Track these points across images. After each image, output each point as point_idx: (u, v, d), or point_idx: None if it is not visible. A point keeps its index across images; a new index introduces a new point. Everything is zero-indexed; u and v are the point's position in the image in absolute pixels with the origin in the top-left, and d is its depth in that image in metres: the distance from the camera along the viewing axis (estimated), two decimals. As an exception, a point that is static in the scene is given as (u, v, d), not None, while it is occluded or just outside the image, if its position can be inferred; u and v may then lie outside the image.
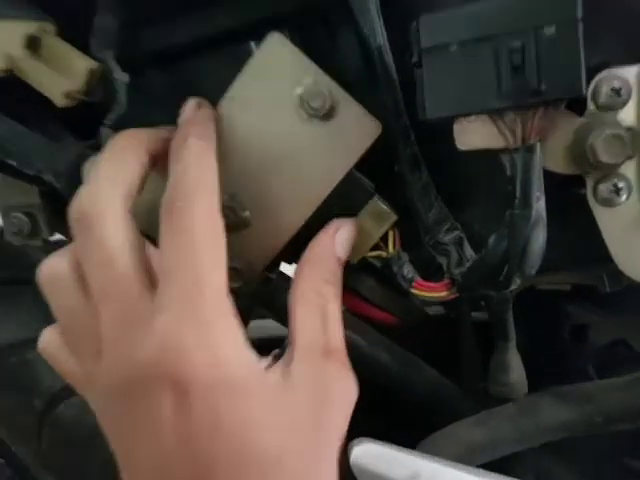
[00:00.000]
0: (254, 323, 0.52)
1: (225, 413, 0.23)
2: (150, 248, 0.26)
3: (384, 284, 0.39)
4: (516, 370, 0.36)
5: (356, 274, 0.39)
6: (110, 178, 0.25)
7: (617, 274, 0.28)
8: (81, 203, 0.24)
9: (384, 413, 0.40)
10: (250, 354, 0.24)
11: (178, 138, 0.26)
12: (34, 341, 0.42)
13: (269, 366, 0.25)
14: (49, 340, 0.27)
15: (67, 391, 0.42)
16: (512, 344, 0.36)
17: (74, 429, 0.42)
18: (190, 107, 0.28)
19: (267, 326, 0.50)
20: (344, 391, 0.26)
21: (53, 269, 0.26)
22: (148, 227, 0.27)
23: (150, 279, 0.24)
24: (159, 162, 0.27)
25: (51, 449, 0.43)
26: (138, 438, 0.23)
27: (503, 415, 0.33)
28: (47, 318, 0.43)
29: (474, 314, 0.45)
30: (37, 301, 0.43)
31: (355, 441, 0.28)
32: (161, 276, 0.24)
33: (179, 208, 0.24)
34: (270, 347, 0.40)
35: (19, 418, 0.43)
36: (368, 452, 0.26)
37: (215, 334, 0.23)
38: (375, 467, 0.26)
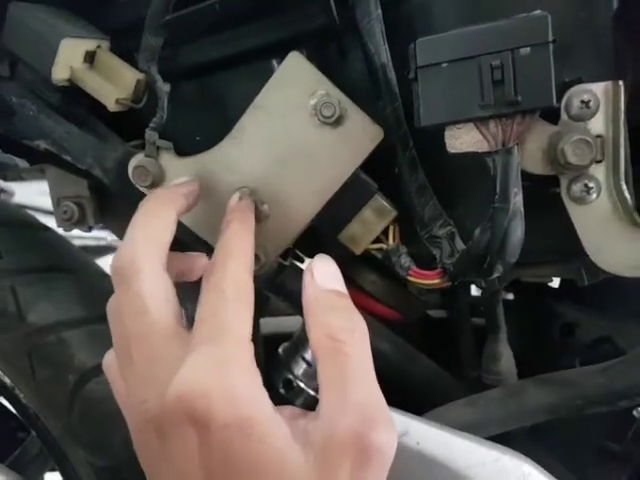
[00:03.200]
0: (269, 320, 0.55)
1: (236, 452, 0.24)
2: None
3: (386, 279, 0.43)
4: (506, 360, 0.40)
5: (360, 269, 0.42)
6: (145, 236, 0.28)
7: (593, 267, 0.32)
8: (121, 259, 0.28)
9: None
10: (264, 397, 0.25)
11: (223, 223, 0.31)
12: (69, 322, 0.47)
13: (293, 417, 0.26)
14: (111, 363, 0.30)
15: (98, 369, 0.46)
16: (503, 336, 0.39)
17: (103, 404, 0.46)
18: (234, 198, 0.33)
19: (281, 324, 0.54)
20: (380, 455, 0.25)
21: (111, 304, 0.29)
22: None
23: (181, 327, 0.27)
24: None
25: (81, 422, 0.46)
26: (167, 468, 0.25)
27: (491, 397, 0.36)
28: (80, 302, 0.48)
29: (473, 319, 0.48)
30: (72, 287, 0.48)
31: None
32: (195, 325, 0.27)
33: (216, 269, 0.27)
34: (282, 342, 0.43)
35: (53, 392, 0.46)
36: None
37: (231, 373, 0.25)
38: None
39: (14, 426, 0.66)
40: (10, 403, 0.52)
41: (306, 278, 0.29)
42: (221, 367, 0.25)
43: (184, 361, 0.25)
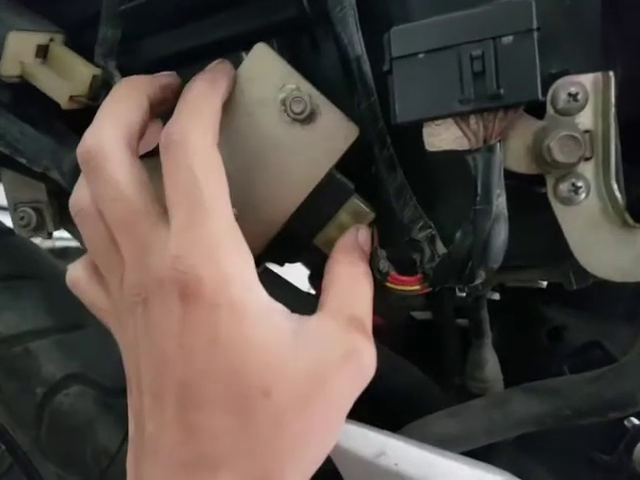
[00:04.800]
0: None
1: (223, 333, 0.24)
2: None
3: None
4: (492, 366, 0.38)
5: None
6: (111, 120, 0.26)
7: (582, 271, 0.30)
8: (85, 144, 0.26)
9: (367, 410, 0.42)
10: (256, 281, 0.25)
11: (190, 83, 0.28)
12: (36, 332, 0.45)
13: (286, 312, 0.26)
14: (78, 275, 0.29)
15: (67, 380, 0.44)
16: (487, 341, 0.38)
17: (72, 416, 0.44)
18: (211, 64, 0.30)
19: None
20: (360, 360, 0.27)
21: (79, 201, 0.27)
22: None
23: (161, 209, 0.26)
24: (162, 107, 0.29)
25: (50, 435, 0.44)
26: (146, 345, 0.25)
27: (475, 408, 0.34)
28: (48, 311, 0.46)
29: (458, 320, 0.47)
30: (39, 295, 0.46)
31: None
32: (169, 209, 0.25)
33: (175, 142, 0.25)
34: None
35: (20, 405, 0.45)
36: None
37: (222, 253, 0.24)
38: (344, 443, 0.27)
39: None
40: (-22, 417, 0.50)
41: (352, 229, 0.31)
42: (210, 246, 0.24)
43: (170, 245, 0.24)
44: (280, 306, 0.27)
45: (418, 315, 0.52)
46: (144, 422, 0.25)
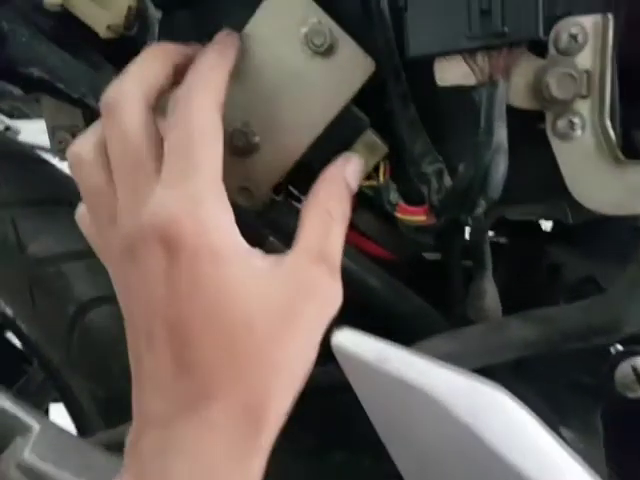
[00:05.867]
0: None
1: (204, 276, 0.26)
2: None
3: (379, 219, 0.44)
4: (491, 297, 0.41)
5: (353, 208, 0.43)
6: (135, 76, 0.29)
7: (578, 206, 0.32)
8: (108, 94, 0.29)
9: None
10: (234, 231, 0.28)
11: (199, 53, 0.31)
12: (68, 255, 0.48)
13: (262, 254, 0.29)
14: (81, 214, 0.32)
15: (97, 301, 0.48)
16: (488, 272, 0.40)
17: (101, 334, 0.47)
18: (219, 35, 0.32)
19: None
20: (326, 294, 0.30)
21: (79, 149, 0.30)
22: None
23: (161, 157, 0.28)
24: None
25: (80, 351, 0.48)
26: (136, 289, 0.28)
27: (473, 331, 0.37)
28: (81, 236, 0.49)
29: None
30: (71, 220, 0.49)
31: (339, 328, 0.32)
32: (165, 156, 0.28)
33: (183, 99, 0.28)
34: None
35: (53, 322, 0.48)
36: (347, 336, 0.30)
37: (204, 206, 0.27)
38: (351, 348, 0.30)
39: (18, 357, 0.69)
40: (13, 333, 0.54)
41: (339, 161, 0.32)
42: (193, 199, 0.27)
43: (158, 190, 0.27)
44: (257, 250, 0.29)
45: (428, 256, 0.55)
46: (142, 360, 0.28)
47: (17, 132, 0.89)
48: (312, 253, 0.29)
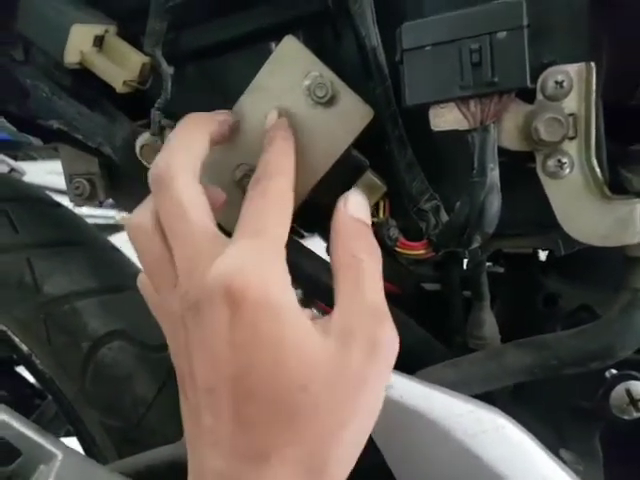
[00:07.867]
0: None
1: (265, 330, 0.26)
2: None
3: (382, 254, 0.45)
4: (489, 326, 0.42)
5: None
6: (181, 149, 0.31)
7: (569, 238, 0.34)
8: (158, 167, 0.31)
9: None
10: (292, 291, 0.28)
11: (267, 137, 0.34)
12: (82, 293, 0.50)
13: (312, 316, 0.29)
14: (143, 281, 0.33)
15: (109, 336, 0.50)
16: (486, 303, 0.42)
17: (114, 368, 0.49)
18: (273, 115, 0.35)
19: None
20: (385, 349, 0.28)
21: (139, 220, 0.32)
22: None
23: (221, 232, 0.30)
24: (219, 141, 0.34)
25: (94, 385, 0.50)
26: (199, 347, 0.28)
27: (473, 359, 0.39)
28: (92, 274, 0.51)
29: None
30: (84, 260, 0.51)
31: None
32: (237, 225, 0.29)
33: (261, 183, 0.30)
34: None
35: (68, 358, 0.50)
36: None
37: (268, 268, 0.27)
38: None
39: (30, 394, 0.70)
40: (27, 369, 0.55)
41: (339, 205, 0.32)
42: (258, 255, 0.27)
43: (226, 254, 0.27)
44: (307, 310, 0.30)
45: (428, 286, 0.56)
46: (201, 416, 0.28)
47: (22, 173, 0.91)
48: (360, 309, 0.29)
